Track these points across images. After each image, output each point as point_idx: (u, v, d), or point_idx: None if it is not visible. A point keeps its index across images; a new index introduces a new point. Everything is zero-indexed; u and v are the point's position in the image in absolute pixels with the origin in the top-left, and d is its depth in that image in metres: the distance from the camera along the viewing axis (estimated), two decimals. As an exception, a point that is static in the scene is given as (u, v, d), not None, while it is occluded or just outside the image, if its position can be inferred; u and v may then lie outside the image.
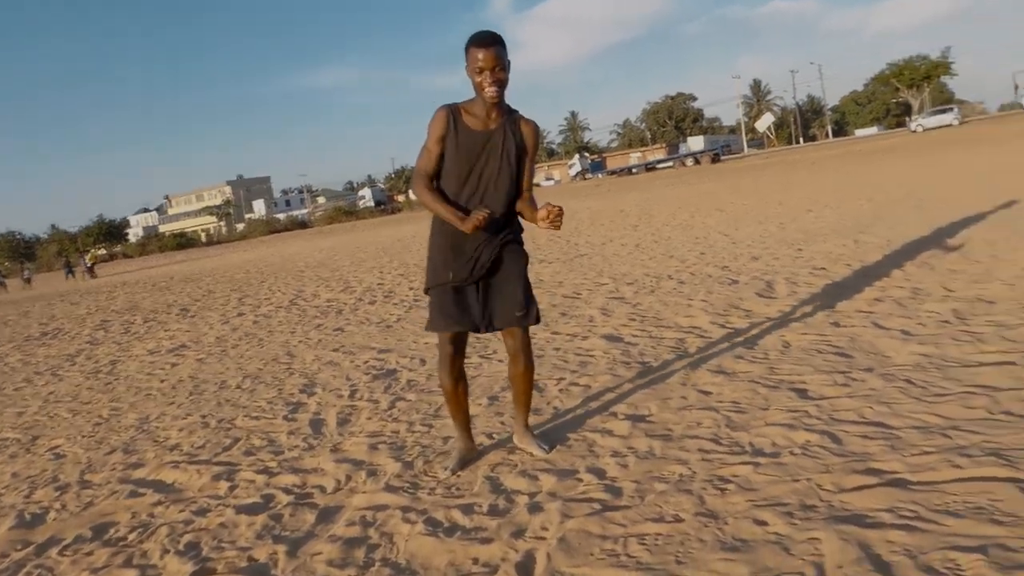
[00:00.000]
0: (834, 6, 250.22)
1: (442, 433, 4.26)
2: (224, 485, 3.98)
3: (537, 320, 3.53)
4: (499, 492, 3.32)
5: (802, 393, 3.99)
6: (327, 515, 3.38)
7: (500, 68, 3.25)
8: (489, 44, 3.23)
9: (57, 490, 4.37)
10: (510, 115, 3.45)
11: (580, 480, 3.30)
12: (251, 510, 3.56)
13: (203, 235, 75.11)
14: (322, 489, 3.71)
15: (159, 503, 3.87)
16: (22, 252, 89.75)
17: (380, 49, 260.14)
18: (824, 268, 7.73)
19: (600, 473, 3.34)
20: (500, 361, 5.85)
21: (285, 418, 5.17)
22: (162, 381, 7.27)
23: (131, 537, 3.48)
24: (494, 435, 4.10)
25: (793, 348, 4.92)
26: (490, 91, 3.27)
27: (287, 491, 3.75)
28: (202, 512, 3.64)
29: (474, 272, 3.42)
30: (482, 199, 3.39)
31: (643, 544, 2.67)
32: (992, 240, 7.67)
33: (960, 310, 5.20)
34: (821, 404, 3.76)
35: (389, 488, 3.55)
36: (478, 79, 3.27)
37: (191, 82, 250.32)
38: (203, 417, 5.55)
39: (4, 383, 8.63)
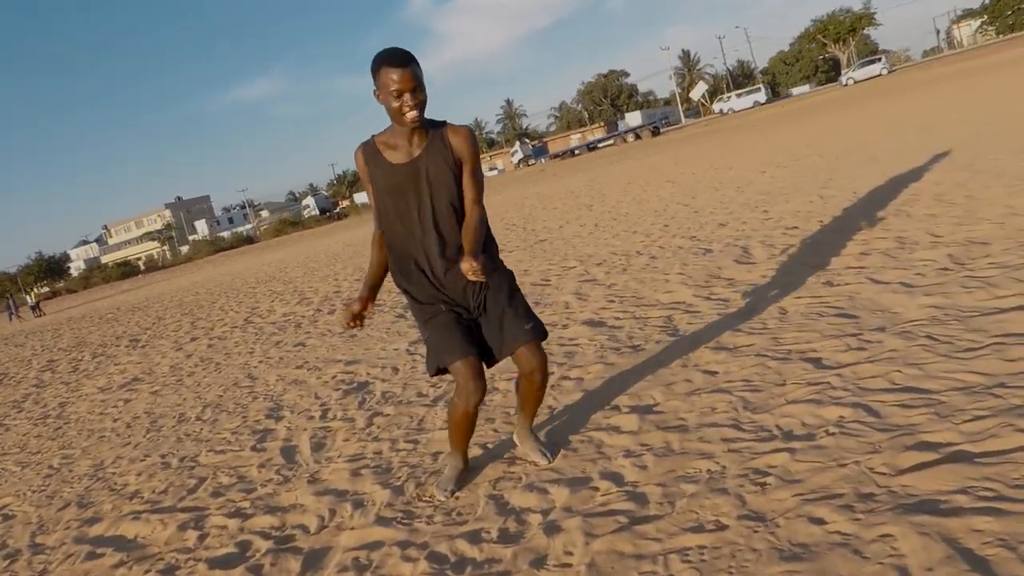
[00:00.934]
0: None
1: (430, 448, 3.87)
2: (193, 535, 3.54)
3: (545, 334, 3.15)
4: (507, 512, 2.94)
5: (817, 362, 3.67)
6: (314, 560, 2.97)
7: (419, 88, 2.83)
8: (404, 63, 2.79)
9: (6, 559, 3.89)
10: (436, 130, 3.01)
11: (596, 489, 2.93)
12: (226, 563, 3.13)
13: (141, 263, 72.95)
14: (304, 529, 3.29)
15: (120, 564, 3.42)
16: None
17: (305, 57, 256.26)
18: (796, 227, 7.48)
19: (617, 478, 2.98)
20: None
21: (253, 448, 4.72)
22: (115, 420, 6.74)
23: (91, 612, 3.04)
24: (488, 445, 3.72)
25: (791, 314, 4.62)
26: (411, 115, 2.85)
27: (265, 535, 3.32)
28: (170, 571, 3.20)
29: (472, 310, 3.07)
30: (431, 235, 2.99)
31: (687, 561, 2.31)
32: (960, 181, 7.49)
33: (956, 255, 4.95)
34: (842, 373, 3.44)
35: (381, 520, 3.15)
36: (396, 104, 2.83)
37: (119, 107, 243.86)
38: (163, 457, 5.07)
39: (-57, 440, 8.00)
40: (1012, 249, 4.72)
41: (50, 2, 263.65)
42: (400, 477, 3.59)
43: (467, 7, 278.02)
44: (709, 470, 2.84)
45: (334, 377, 6.16)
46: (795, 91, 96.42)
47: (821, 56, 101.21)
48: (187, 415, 6.19)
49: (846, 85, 58.54)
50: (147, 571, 3.26)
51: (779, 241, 6.98)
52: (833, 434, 2.86)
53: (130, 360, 10.64)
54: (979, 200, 6.38)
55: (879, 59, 63.32)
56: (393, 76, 2.79)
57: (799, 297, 4.92)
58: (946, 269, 4.71)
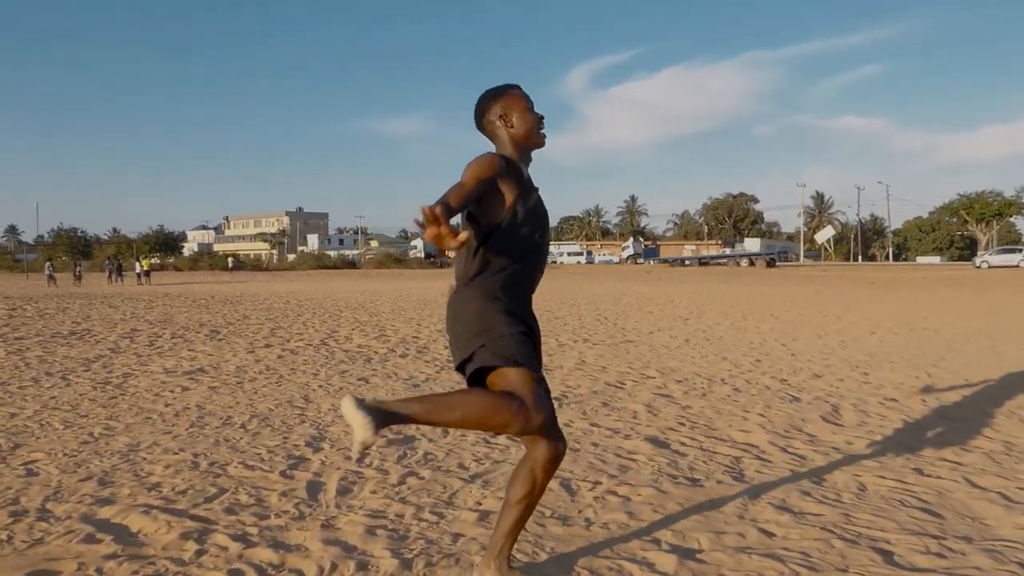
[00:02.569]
0: (904, 129, 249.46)
1: (453, 528, 3.65)
2: (192, 547, 3.40)
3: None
4: (510, 625, 2.68)
5: (888, 557, 3.30)
6: (299, 614, 2.77)
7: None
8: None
9: (12, 516, 3.83)
10: None
11: (611, 628, 2.65)
12: (212, 589, 2.97)
13: (229, 260, 75.40)
14: (300, 576, 3.11)
15: (113, 556, 3.30)
16: (80, 250, 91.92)
17: (451, 108, 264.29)
18: (896, 400, 7.01)
19: (637, 623, 2.69)
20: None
21: (283, 473, 4.59)
22: (167, 405, 6.76)
23: (66, 598, 2.91)
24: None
25: (870, 493, 4.23)
26: (544, 134, 2.94)
27: (260, 570, 3.15)
28: (156, 580, 3.06)
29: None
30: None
31: None
32: (1088, 399, 6.90)
33: (1068, 479, 4.47)
34: (914, 577, 3.07)
35: (378, 592, 2.94)
36: (533, 121, 2.89)
37: (266, 111, 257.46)
38: (195, 456, 5.00)
39: (12, 379, 8.22)
40: None
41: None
42: (413, 550, 3.38)
43: (620, 99, 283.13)
44: (740, 646, 2.53)
45: (384, 423, 6.02)
46: (921, 260, 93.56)
47: (959, 232, 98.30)
48: (234, 419, 6.14)
49: (979, 267, 56.41)
50: (135, 572, 3.13)
51: (874, 410, 6.54)
52: (889, 647, 2.51)
53: (203, 350, 10.82)
54: (1105, 425, 5.83)
55: (1020, 249, 60.90)
56: (525, 97, 2.91)
57: (882, 477, 4.52)
58: (1054, 492, 4.25)
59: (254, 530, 3.62)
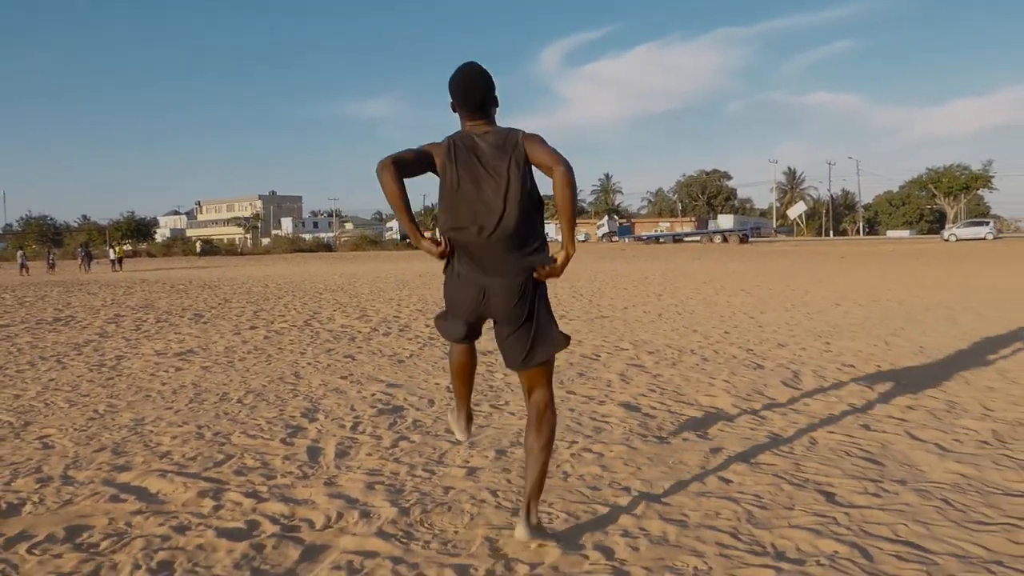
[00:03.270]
0: (877, 105, 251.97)
1: (444, 482, 4.04)
2: (209, 503, 3.77)
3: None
4: (498, 557, 3.09)
5: (830, 497, 3.74)
6: (311, 553, 3.16)
7: None
8: None
9: (38, 482, 4.17)
10: None
11: (586, 557, 3.06)
12: (233, 535, 3.35)
13: (197, 245, 74.76)
14: (311, 524, 3.49)
15: (139, 512, 3.67)
16: (50, 238, 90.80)
17: (423, 90, 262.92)
18: (853, 366, 7.49)
19: (608, 552, 3.10)
20: (512, 413, 5.64)
21: (283, 441, 4.96)
22: (164, 384, 7.09)
23: (104, 545, 3.27)
24: (498, 492, 3.87)
25: (820, 446, 4.68)
26: None
27: (273, 520, 3.53)
28: (182, 529, 3.43)
29: None
30: None
31: (651, 642, 2.43)
32: (1030, 362, 7.42)
33: (1000, 432, 4.95)
34: (850, 512, 3.51)
35: (381, 534, 3.33)
36: None
37: (236, 94, 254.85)
38: (199, 428, 5.36)
39: (8, 363, 8.49)
40: (1057, 439, 4.70)
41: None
42: (410, 500, 3.77)
43: (593, 77, 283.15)
44: (696, 567, 2.95)
45: (373, 395, 6.40)
46: (892, 233, 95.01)
47: (929, 206, 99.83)
48: (230, 395, 6.49)
49: (947, 240, 57.51)
50: (161, 524, 3.49)
51: (831, 375, 7.01)
52: (823, 565, 2.94)
53: (190, 332, 11.11)
54: (1041, 384, 6.33)
55: (987, 222, 62.04)
56: None
57: (832, 432, 4.98)
58: (985, 443, 4.72)
59: (264, 488, 3.99)
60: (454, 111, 3.25)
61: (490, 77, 3.22)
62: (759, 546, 3.15)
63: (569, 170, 2.95)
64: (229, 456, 4.62)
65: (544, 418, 3.27)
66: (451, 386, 3.88)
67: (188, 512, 3.66)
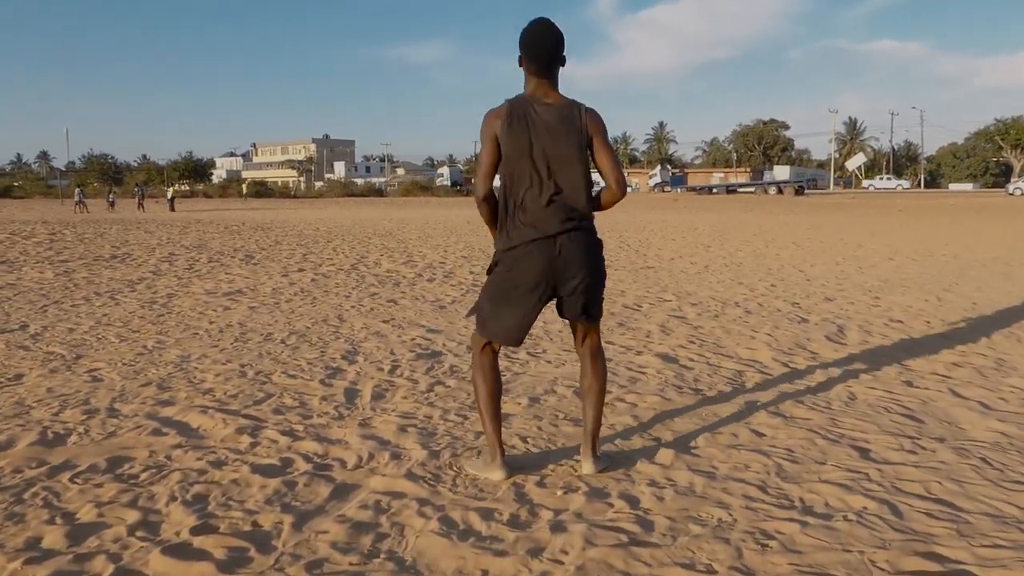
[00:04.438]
0: (943, 53, 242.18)
1: (476, 427, 4.08)
2: (246, 440, 3.87)
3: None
4: (523, 502, 3.12)
5: (864, 453, 3.69)
6: (341, 492, 3.22)
7: None
8: None
9: (85, 414, 4.32)
10: None
11: (611, 505, 3.08)
12: (267, 472, 3.43)
13: (244, 187, 75.29)
14: (342, 463, 3.56)
15: (179, 446, 3.78)
16: (111, 176, 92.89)
17: (478, 34, 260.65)
18: (901, 321, 7.33)
19: (633, 501, 3.11)
20: (549, 361, 5.65)
21: (322, 382, 5.05)
22: (211, 323, 7.25)
23: (143, 476, 3.38)
24: (528, 439, 3.90)
25: (859, 401, 4.60)
26: None
27: (307, 459, 3.61)
28: (218, 464, 3.53)
29: None
30: None
31: (668, 590, 2.44)
32: (1089, 322, 7.17)
33: (1048, 392, 4.81)
34: (884, 469, 3.46)
35: (410, 476, 3.38)
36: None
37: (291, 38, 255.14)
38: (242, 366, 5.48)
39: (64, 298, 8.76)
40: (1108, 402, 4.56)
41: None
42: (440, 444, 3.82)
43: (651, 23, 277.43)
44: (720, 519, 2.94)
45: (413, 339, 6.46)
46: (954, 187, 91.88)
47: (995, 158, 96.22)
48: (274, 336, 6.61)
49: (1012, 194, 55.52)
50: (199, 459, 3.59)
51: (878, 330, 6.87)
52: (850, 520, 2.91)
53: (240, 273, 11.31)
54: (1097, 345, 6.12)
55: (1055, 176, 59.71)
56: None
57: (873, 388, 4.89)
58: (1032, 402, 4.59)
59: (300, 427, 4.08)
60: (520, 65, 3.27)
61: (562, 36, 3.25)
62: (787, 500, 3.12)
63: (623, 193, 3.32)
64: (269, 395, 4.72)
65: (599, 360, 3.46)
66: (479, 419, 3.55)
67: (226, 448, 3.76)
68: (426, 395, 4.74)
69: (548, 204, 3.15)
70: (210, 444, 3.82)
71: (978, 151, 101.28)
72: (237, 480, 3.33)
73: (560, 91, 3.26)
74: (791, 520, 2.92)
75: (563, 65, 3.26)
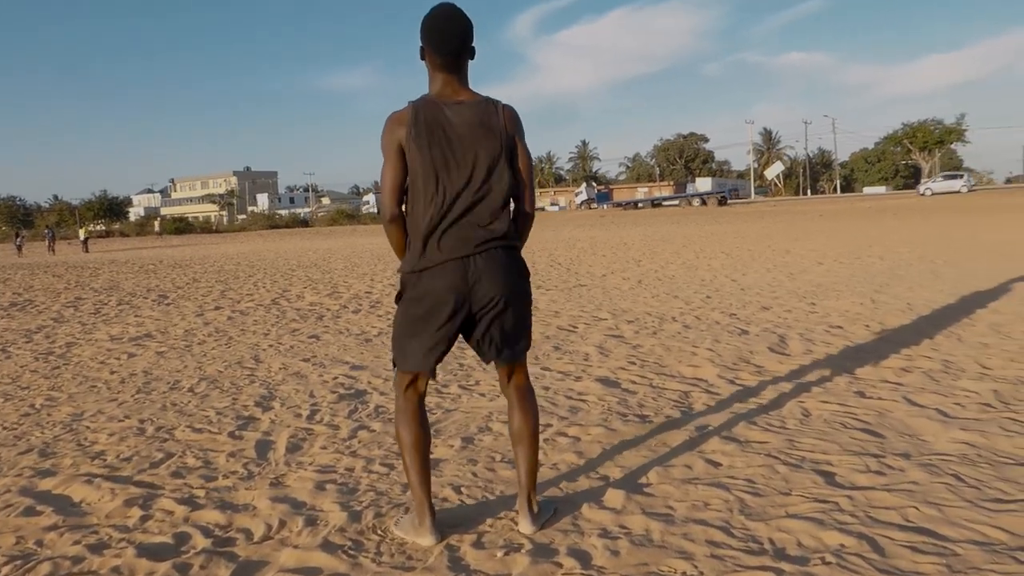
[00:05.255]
0: (850, 63, 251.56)
1: (403, 478, 3.64)
2: (136, 513, 3.35)
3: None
4: (459, 569, 2.69)
5: (829, 477, 3.37)
6: (244, 572, 2.74)
7: None
8: None
9: (-50, 493, 3.73)
10: None
11: (559, 565, 2.67)
12: (156, 553, 2.92)
13: (156, 224, 72.85)
14: (248, 535, 3.07)
15: (54, 527, 3.23)
16: (20, 219, 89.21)
17: (401, 59, 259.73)
18: (841, 327, 7.15)
19: (585, 559, 2.71)
20: (483, 394, 5.24)
21: (231, 435, 4.53)
22: (112, 373, 6.62)
23: (4, 571, 2.84)
24: (462, 489, 3.48)
25: (814, 418, 4.31)
26: None
27: (206, 532, 3.11)
28: (99, 548, 3.00)
29: None
30: None
31: (633, 674, 2.05)
32: (1023, 315, 7.11)
33: (1002, 393, 4.61)
34: (854, 496, 3.14)
35: (327, 546, 2.91)
36: None
37: (210, 70, 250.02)
38: (141, 422, 4.91)
39: (-51, 355, 7.97)
40: (1065, 400, 4.37)
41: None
42: (363, 502, 3.36)
43: (568, 44, 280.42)
44: (684, 573, 2.57)
45: (335, 378, 5.98)
46: (868, 190, 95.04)
47: (904, 161, 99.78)
48: (182, 383, 6.04)
49: (923, 195, 57.45)
50: (76, 542, 3.06)
51: (819, 338, 6.66)
52: (829, 563, 2.57)
53: (151, 315, 10.61)
54: (1039, 340, 6.01)
55: (962, 175, 62.11)
56: None
57: (826, 402, 4.61)
58: (989, 405, 4.38)
59: (201, 492, 3.57)
60: (422, 59, 2.81)
61: (471, 23, 2.78)
62: (755, 542, 2.77)
63: (533, 214, 2.95)
64: (169, 455, 4.19)
65: (529, 400, 3.03)
66: (403, 474, 3.20)
67: (111, 525, 3.23)
68: (348, 443, 4.27)
69: (462, 219, 2.72)
70: (92, 522, 3.28)
71: (888, 155, 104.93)
72: (119, 567, 2.82)
73: (472, 88, 2.86)
74: (764, 568, 2.56)
75: (472, 58, 2.83)
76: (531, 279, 2.99)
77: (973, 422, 4.09)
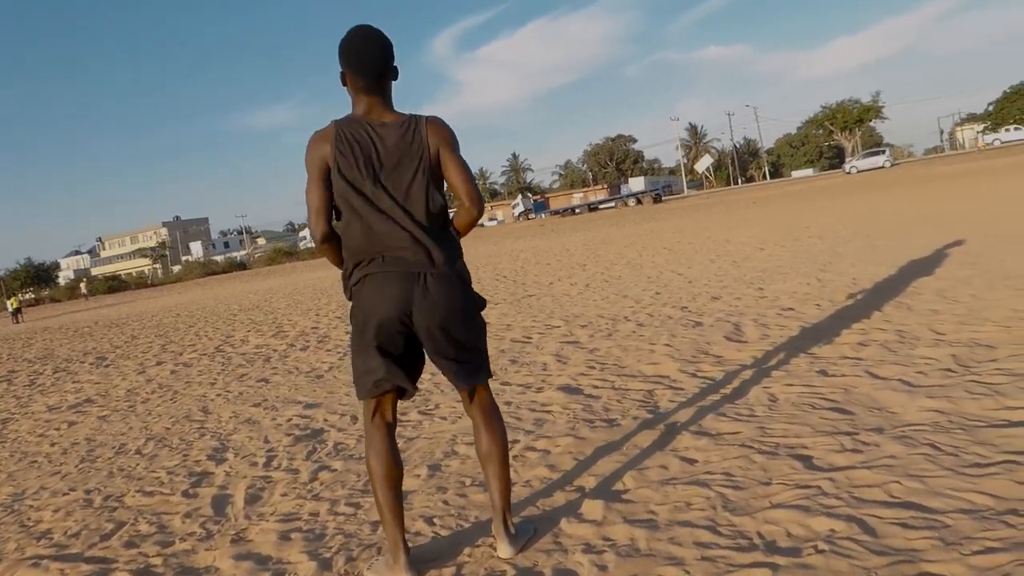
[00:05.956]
0: (765, 51, 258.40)
1: (371, 516, 3.47)
2: (90, 593, 3.12)
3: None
4: (441, 607, 2.54)
5: (807, 461, 3.31)
6: (214, 641, 2.56)
7: None
8: None
9: None
10: None
11: (546, 589, 2.54)
12: (116, 633, 2.72)
13: (83, 286, 70.89)
14: (213, 600, 2.88)
15: (1, 620, 3.00)
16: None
17: (322, 90, 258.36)
18: (792, 308, 7.17)
19: (571, 578, 2.59)
20: (443, 417, 5.08)
21: (185, 493, 4.30)
22: (53, 444, 6.30)
23: (-52, 677, 2.61)
24: (434, 520, 3.32)
25: (781, 402, 4.26)
26: None
27: (168, 603, 2.91)
28: (52, 636, 2.78)
29: None
30: None
31: None
32: (965, 278, 7.22)
33: (960, 356, 4.63)
34: (835, 477, 3.08)
35: (298, 600, 2.74)
36: None
37: (127, 121, 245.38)
38: (87, 493, 4.64)
39: None
40: (1020, 355, 4.40)
41: (61, 2, 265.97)
42: (332, 547, 3.19)
43: (488, 60, 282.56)
44: (677, 580, 2.46)
45: (289, 420, 5.76)
46: (796, 174, 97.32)
47: (827, 143, 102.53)
48: (128, 447, 5.76)
49: (849, 173, 58.92)
50: (25, 632, 2.83)
51: (773, 321, 6.67)
52: (823, 551, 2.49)
53: (90, 379, 10.19)
54: (984, 300, 6.09)
55: (883, 151, 63.88)
56: None
57: (790, 385, 4.58)
58: (949, 370, 4.38)
59: (158, 560, 3.35)
60: (344, 84, 2.69)
61: (389, 43, 2.68)
62: (744, 538, 2.68)
63: (480, 210, 2.73)
64: (120, 524, 3.94)
65: (494, 419, 2.91)
66: (372, 511, 3.11)
67: (62, 609, 3.01)
68: (309, 486, 4.08)
69: (391, 237, 2.61)
70: (41, 608, 3.05)
71: (811, 138, 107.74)
72: (74, 655, 2.60)
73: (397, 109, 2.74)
74: (758, 565, 2.47)
75: (396, 79, 2.73)
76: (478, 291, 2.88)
77: (938, 388, 4.08)
